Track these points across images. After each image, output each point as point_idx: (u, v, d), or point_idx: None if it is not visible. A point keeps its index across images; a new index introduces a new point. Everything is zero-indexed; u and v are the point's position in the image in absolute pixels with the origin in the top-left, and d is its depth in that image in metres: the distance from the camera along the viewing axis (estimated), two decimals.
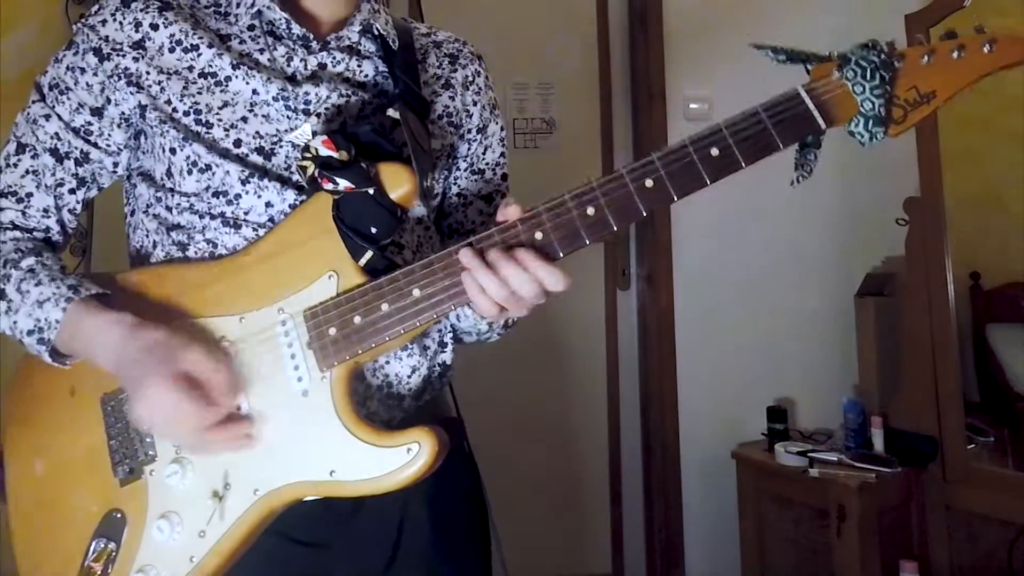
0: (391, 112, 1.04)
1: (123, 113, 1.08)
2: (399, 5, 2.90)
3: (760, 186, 2.84)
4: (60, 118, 1.08)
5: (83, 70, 1.07)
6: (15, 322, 1.03)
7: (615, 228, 0.93)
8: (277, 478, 0.95)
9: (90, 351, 1.01)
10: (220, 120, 1.04)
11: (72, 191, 1.12)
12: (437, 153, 1.16)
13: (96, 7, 1.09)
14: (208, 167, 1.03)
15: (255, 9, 1.07)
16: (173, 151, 1.04)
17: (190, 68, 1.06)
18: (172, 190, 1.05)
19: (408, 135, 1.02)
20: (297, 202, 1.03)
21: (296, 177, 1.03)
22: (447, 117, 1.19)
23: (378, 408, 1.07)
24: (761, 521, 2.79)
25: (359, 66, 1.12)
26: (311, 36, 1.09)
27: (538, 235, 0.93)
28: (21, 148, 1.10)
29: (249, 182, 1.03)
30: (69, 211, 1.13)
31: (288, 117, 1.05)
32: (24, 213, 1.10)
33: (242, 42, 1.08)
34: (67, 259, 2.21)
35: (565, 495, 3.09)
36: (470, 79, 1.23)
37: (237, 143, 1.04)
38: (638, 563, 3.12)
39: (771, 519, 2.76)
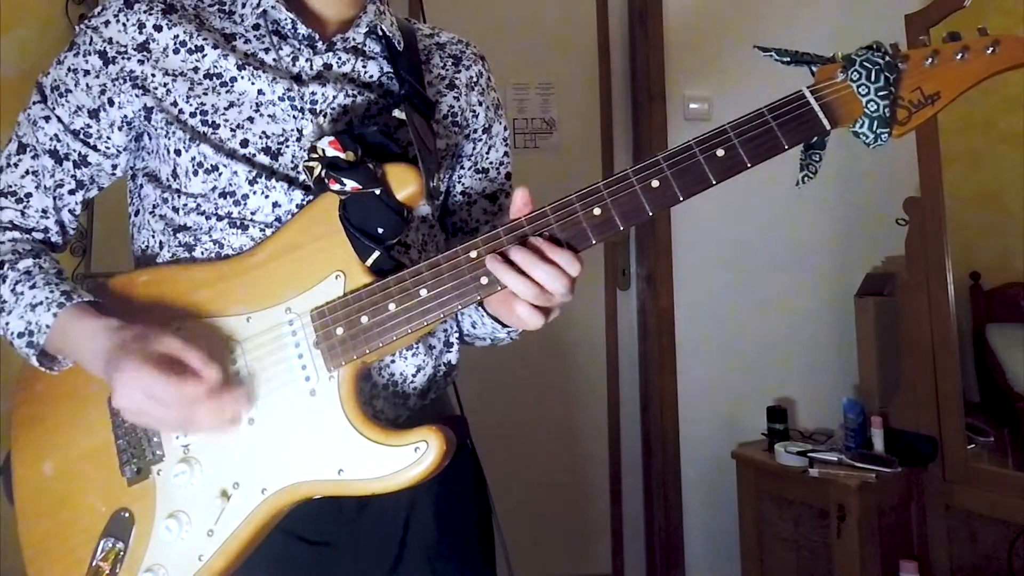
0: (397, 113, 1.05)
1: (125, 115, 1.08)
2: (400, 5, 2.90)
3: (760, 186, 2.85)
4: (60, 120, 1.09)
5: (86, 72, 1.07)
6: (7, 323, 1.03)
7: (621, 228, 0.93)
8: (285, 477, 0.96)
9: (79, 356, 1.02)
10: (226, 120, 1.04)
11: (71, 192, 1.12)
12: (442, 153, 1.16)
13: (99, 8, 1.09)
14: (215, 168, 1.03)
15: (261, 9, 1.07)
16: (179, 152, 1.04)
17: (195, 69, 1.06)
18: (178, 191, 1.06)
19: (414, 135, 1.02)
20: (304, 202, 1.03)
21: (303, 177, 1.03)
22: (452, 117, 1.19)
23: (384, 407, 1.08)
24: (761, 521, 2.79)
25: (364, 67, 1.12)
26: (316, 36, 1.09)
27: (544, 234, 0.94)
28: (22, 148, 1.11)
29: (256, 182, 1.03)
30: (69, 212, 1.14)
31: (294, 117, 1.06)
32: (23, 213, 1.10)
33: (247, 42, 1.08)
34: (67, 259, 2.23)
35: (565, 495, 3.09)
36: (474, 80, 1.23)
37: (244, 143, 1.04)
38: (638, 563, 3.12)
39: (771, 519, 2.77)
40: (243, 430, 0.98)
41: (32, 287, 1.03)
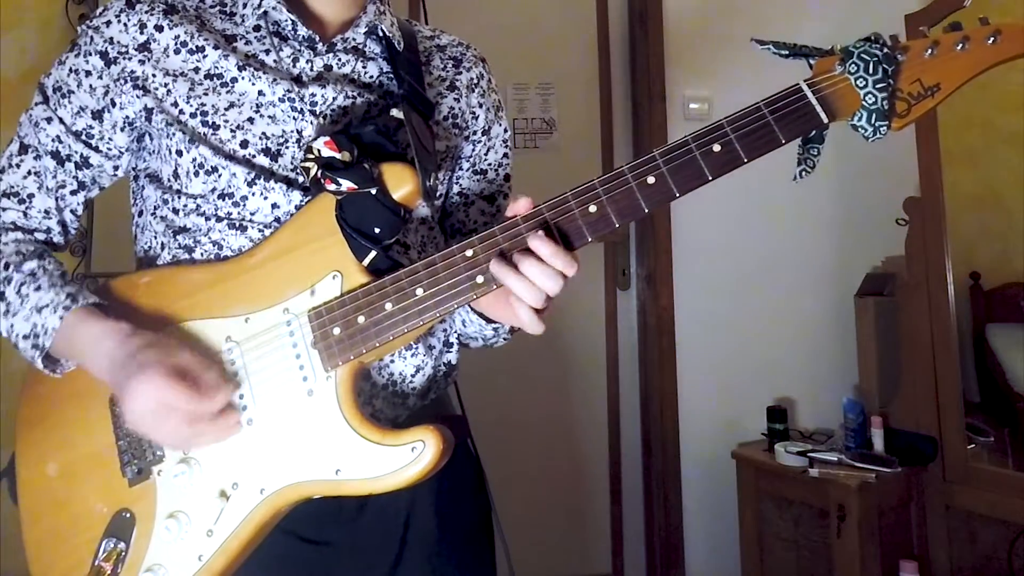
0: (395, 112, 1.04)
1: (127, 116, 1.08)
2: (400, 5, 2.90)
3: (760, 186, 2.86)
4: (62, 121, 1.09)
5: (88, 73, 1.07)
6: (12, 325, 1.04)
7: (617, 225, 0.93)
8: (283, 477, 0.96)
9: (85, 359, 1.02)
10: (227, 121, 1.04)
11: (73, 192, 1.13)
12: (441, 154, 1.16)
13: (100, 9, 1.09)
14: (214, 169, 1.03)
15: (261, 10, 1.08)
16: (180, 153, 1.04)
17: (196, 69, 1.06)
18: (179, 192, 1.06)
19: (412, 135, 1.02)
20: (303, 203, 1.04)
21: (302, 178, 1.03)
22: (452, 119, 1.19)
23: (383, 406, 1.08)
24: (761, 521, 2.79)
25: (364, 68, 1.12)
26: (317, 38, 1.09)
27: (541, 232, 0.93)
28: (24, 149, 1.11)
29: (255, 184, 1.03)
30: (71, 212, 1.14)
31: (294, 118, 1.06)
32: (26, 214, 1.11)
33: (248, 43, 1.08)
34: (67, 259, 2.23)
35: (565, 495, 3.09)
36: (475, 82, 1.23)
37: (244, 144, 1.04)
38: (638, 563, 3.12)
39: (771, 519, 2.77)
40: (242, 430, 0.98)
41: (37, 289, 1.03)
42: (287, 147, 1.05)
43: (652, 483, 3.10)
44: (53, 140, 1.09)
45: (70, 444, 1.06)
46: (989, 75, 0.91)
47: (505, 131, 1.27)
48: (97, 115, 1.08)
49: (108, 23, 1.07)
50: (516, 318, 0.97)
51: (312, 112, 1.06)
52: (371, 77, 1.12)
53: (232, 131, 1.04)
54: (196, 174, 1.04)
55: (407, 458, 0.92)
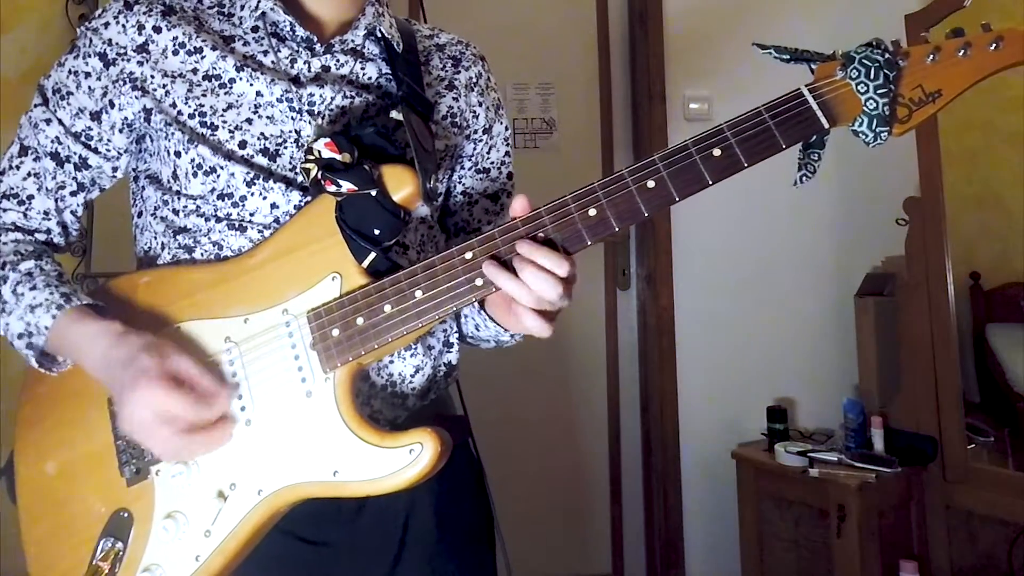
0: (394, 114, 1.04)
1: (126, 118, 1.08)
2: (400, 5, 2.90)
3: (760, 186, 2.85)
4: (61, 123, 1.09)
5: (87, 74, 1.07)
6: (7, 324, 1.04)
7: (616, 229, 0.93)
8: (281, 479, 0.96)
9: (79, 358, 1.02)
10: (225, 122, 1.04)
11: (73, 194, 1.13)
12: (441, 154, 1.16)
13: (99, 10, 1.10)
14: (213, 169, 1.03)
15: (259, 11, 1.07)
16: (178, 154, 1.05)
17: (194, 71, 1.06)
18: (179, 193, 1.06)
19: (411, 136, 1.02)
20: (302, 203, 1.04)
21: (301, 178, 1.04)
22: (451, 118, 1.19)
23: (382, 407, 1.08)
24: (761, 521, 2.80)
25: (363, 68, 1.12)
26: (315, 39, 1.09)
27: (539, 236, 0.93)
28: (24, 150, 1.11)
29: (254, 184, 1.03)
30: (71, 213, 1.14)
31: (292, 118, 1.06)
32: (25, 215, 1.11)
33: (246, 44, 1.08)
34: (67, 259, 2.23)
35: (565, 495, 3.09)
36: (474, 80, 1.23)
37: (242, 144, 1.04)
38: (638, 563, 3.12)
39: (771, 519, 2.77)
40: (240, 431, 0.98)
41: (32, 288, 1.04)
42: (285, 147, 1.05)
43: (652, 483, 3.10)
44: (52, 141, 1.10)
45: (69, 443, 1.06)
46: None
47: (506, 129, 1.27)
48: (96, 116, 1.08)
49: (106, 24, 1.07)
50: (522, 325, 0.97)
51: (310, 112, 1.06)
52: (369, 78, 1.12)
53: (230, 132, 1.04)
54: (195, 175, 1.04)
55: (405, 460, 0.92)
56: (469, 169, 1.23)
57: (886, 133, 0.90)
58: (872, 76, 0.90)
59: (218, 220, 1.04)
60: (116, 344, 0.97)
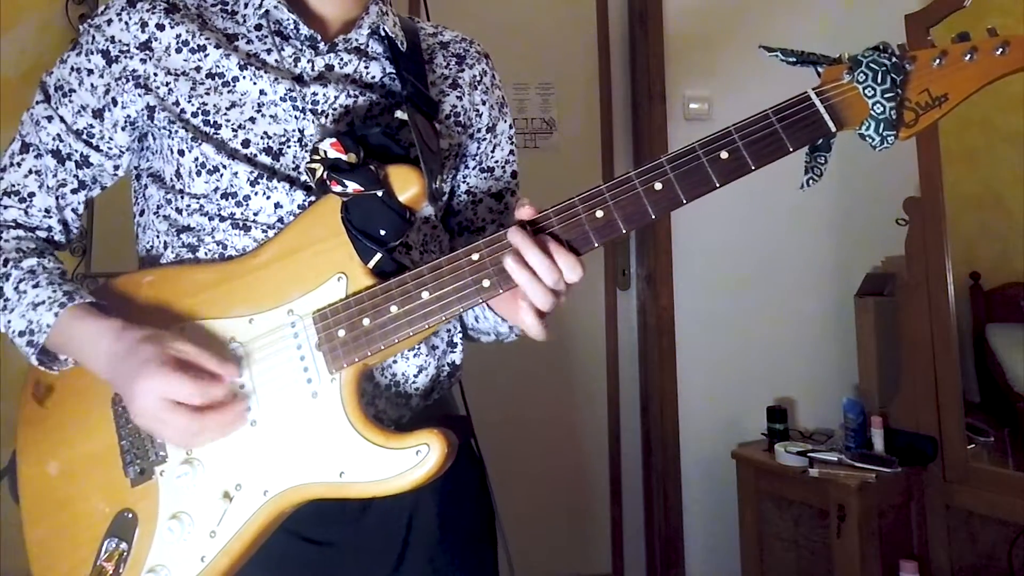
0: (399, 114, 1.04)
1: (128, 115, 1.08)
2: (401, 5, 2.90)
3: (761, 187, 2.83)
4: (62, 120, 1.09)
5: (89, 71, 1.07)
6: (9, 321, 1.04)
7: (624, 231, 0.93)
8: (287, 479, 0.96)
9: (82, 357, 1.02)
10: (228, 121, 1.04)
11: (74, 191, 1.13)
12: (445, 153, 1.16)
13: (102, 7, 1.10)
14: (216, 168, 1.03)
15: (263, 9, 1.07)
16: (182, 152, 1.04)
17: (197, 69, 1.06)
18: (182, 192, 1.06)
19: (416, 136, 1.02)
20: (306, 203, 1.03)
21: (304, 177, 1.04)
22: (455, 117, 1.19)
23: (386, 407, 1.08)
24: (761, 521, 2.80)
25: (367, 67, 1.12)
26: (319, 37, 1.09)
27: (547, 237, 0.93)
28: (25, 148, 1.11)
29: (258, 183, 1.03)
30: (72, 211, 1.14)
31: (296, 117, 1.05)
32: (27, 212, 1.11)
33: (249, 42, 1.08)
34: (67, 259, 2.22)
35: (565, 495, 3.09)
36: (478, 78, 1.23)
37: (245, 143, 1.04)
38: (638, 563, 3.12)
39: (771, 519, 2.77)
40: (245, 432, 0.98)
41: (35, 286, 1.04)
42: (289, 146, 1.05)
43: (652, 483, 3.10)
44: (54, 139, 1.10)
45: (72, 443, 1.06)
46: None
47: (510, 127, 1.27)
48: (98, 114, 1.08)
49: (109, 21, 1.07)
50: (520, 319, 0.97)
51: (313, 111, 1.06)
52: (373, 77, 1.12)
53: (234, 130, 1.04)
54: (198, 173, 1.04)
55: (411, 461, 0.92)
56: (473, 168, 1.23)
57: (893, 137, 0.90)
58: (879, 80, 0.90)
59: (222, 219, 1.04)
60: (116, 339, 0.97)
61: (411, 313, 0.95)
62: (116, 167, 1.14)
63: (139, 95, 1.06)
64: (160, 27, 1.06)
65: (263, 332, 1.00)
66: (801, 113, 0.91)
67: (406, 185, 0.98)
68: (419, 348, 1.10)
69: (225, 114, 1.04)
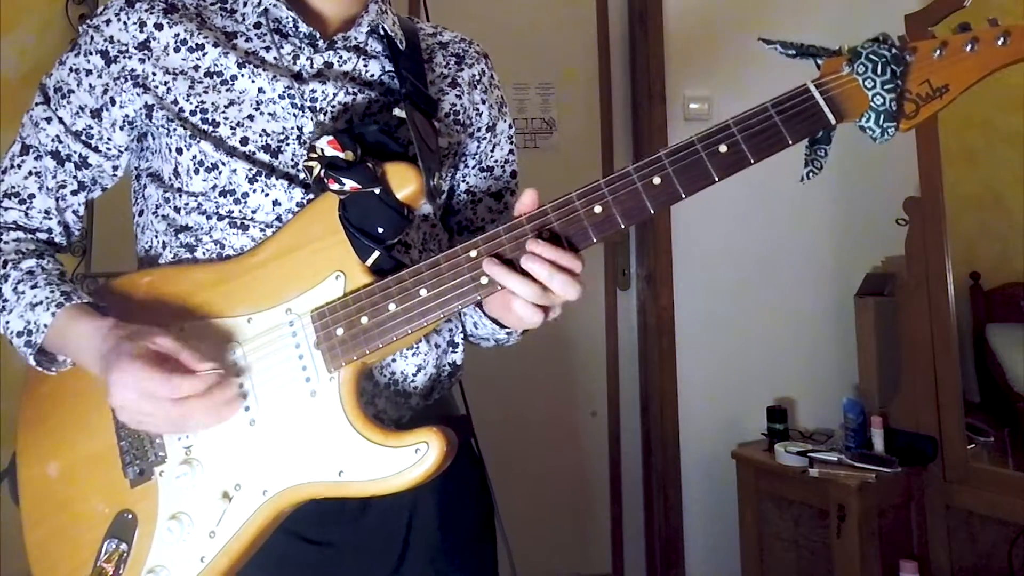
0: (397, 111, 1.04)
1: (127, 115, 1.08)
2: (400, 5, 2.90)
3: (761, 186, 2.86)
4: (61, 121, 1.09)
5: (88, 72, 1.07)
6: (7, 322, 1.04)
7: (623, 226, 0.93)
8: (286, 479, 0.95)
9: (78, 356, 1.02)
10: (227, 119, 1.04)
11: (74, 193, 1.13)
12: (444, 151, 1.16)
13: (101, 8, 1.10)
14: (215, 166, 1.03)
15: (262, 7, 1.07)
16: (180, 151, 1.04)
17: (196, 67, 1.06)
18: (180, 190, 1.06)
19: (414, 134, 1.02)
20: (304, 200, 1.03)
21: (303, 175, 1.03)
22: (454, 115, 1.19)
23: (386, 406, 1.08)
24: (761, 521, 2.79)
25: (366, 65, 1.12)
26: (318, 35, 1.09)
27: (544, 234, 0.93)
28: (25, 149, 1.11)
29: (256, 180, 1.03)
30: (72, 212, 1.15)
31: (294, 115, 1.05)
32: (27, 214, 1.11)
33: (248, 40, 1.08)
34: (67, 259, 2.22)
35: (565, 495, 3.09)
36: (477, 78, 1.23)
37: (244, 141, 1.04)
38: (638, 563, 3.12)
39: (771, 519, 2.76)
40: (244, 431, 0.98)
41: (33, 287, 1.04)
42: (287, 144, 1.05)
43: (652, 483, 3.10)
44: (53, 140, 1.10)
45: (71, 444, 1.06)
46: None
47: (510, 127, 1.27)
48: (96, 114, 1.08)
49: (108, 21, 1.07)
50: (516, 315, 0.97)
51: (312, 109, 1.06)
52: (372, 75, 1.12)
53: (232, 128, 1.04)
54: (197, 171, 1.04)
55: (411, 460, 0.92)
56: (473, 167, 1.23)
57: (893, 128, 0.90)
58: (879, 71, 0.89)
59: (220, 218, 1.04)
60: (105, 338, 0.97)
61: (409, 311, 0.95)
62: (115, 168, 1.14)
63: (137, 94, 1.06)
64: (158, 27, 1.06)
65: (261, 331, 0.99)
66: (800, 106, 0.91)
67: (404, 183, 0.98)
68: (418, 347, 1.10)
69: (224, 112, 1.04)
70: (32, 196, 1.11)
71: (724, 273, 3.09)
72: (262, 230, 1.04)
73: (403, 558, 1.09)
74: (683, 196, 0.92)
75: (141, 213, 1.14)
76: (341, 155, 0.97)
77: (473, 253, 0.94)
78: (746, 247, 3.10)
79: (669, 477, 3.02)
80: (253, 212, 1.04)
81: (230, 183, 1.03)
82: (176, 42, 1.06)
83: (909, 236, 2.69)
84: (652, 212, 0.92)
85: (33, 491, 1.07)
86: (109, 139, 1.10)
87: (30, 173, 1.11)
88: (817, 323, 3.13)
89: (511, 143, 1.27)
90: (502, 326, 1.10)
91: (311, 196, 1.03)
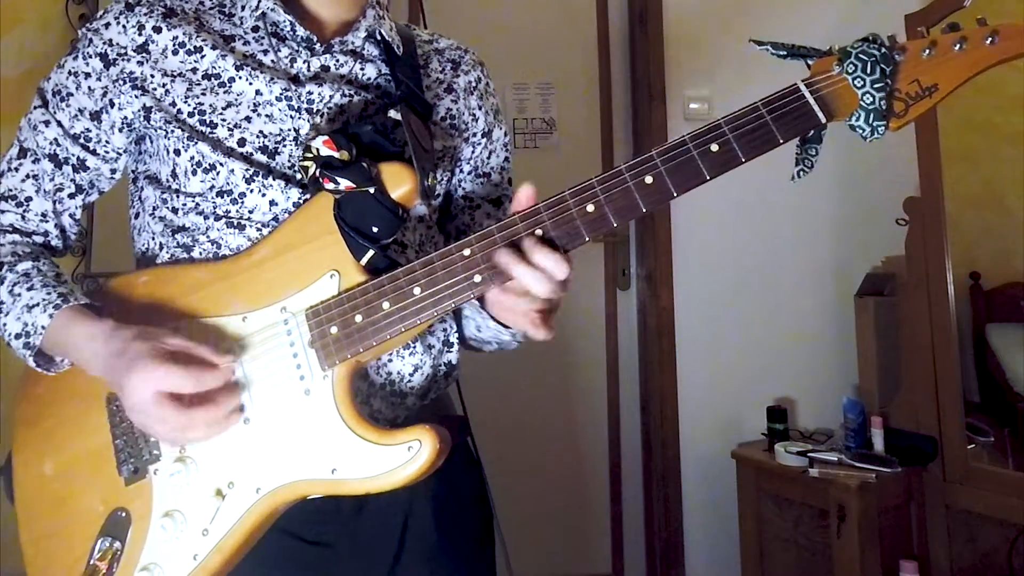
0: (393, 113, 1.05)
1: (125, 117, 1.09)
2: (400, 5, 2.90)
3: (760, 187, 2.86)
4: (60, 124, 1.10)
5: (87, 75, 1.08)
6: (4, 324, 1.04)
7: (615, 225, 0.93)
8: (279, 476, 0.95)
9: (77, 357, 1.03)
10: (224, 120, 1.05)
11: (71, 196, 1.13)
12: (439, 154, 1.16)
13: (100, 12, 1.11)
14: (212, 167, 1.04)
15: (259, 11, 1.08)
16: (178, 152, 1.05)
17: (194, 70, 1.07)
18: (178, 191, 1.06)
19: (409, 135, 1.02)
20: (300, 200, 1.04)
21: (300, 176, 1.04)
22: (450, 120, 1.19)
23: (382, 406, 1.08)
24: (761, 521, 2.79)
25: (362, 69, 1.12)
26: (315, 38, 1.09)
27: (538, 232, 0.93)
28: (23, 152, 1.12)
29: (253, 180, 1.03)
30: (69, 216, 1.15)
31: (291, 117, 1.06)
32: (23, 217, 1.12)
33: (246, 43, 1.09)
34: (67, 259, 2.23)
35: (565, 495, 3.09)
36: (473, 84, 1.23)
37: (241, 142, 1.04)
38: (638, 563, 3.12)
39: (771, 519, 2.76)
40: (238, 429, 0.98)
41: (30, 288, 1.04)
42: (284, 145, 1.05)
43: (652, 483, 3.10)
44: (51, 143, 1.10)
45: (67, 443, 1.06)
46: (989, 75, 0.90)
47: (505, 135, 1.28)
48: (95, 116, 1.09)
49: (107, 25, 1.08)
50: (520, 323, 0.97)
51: (309, 111, 1.07)
52: (369, 78, 1.13)
53: (229, 129, 1.04)
54: (194, 172, 1.04)
55: (403, 457, 0.92)
56: (469, 173, 1.23)
57: (883, 127, 0.90)
58: (869, 71, 0.90)
59: (217, 218, 1.04)
60: (109, 339, 0.97)
61: (404, 309, 0.95)
62: (113, 171, 1.14)
63: (136, 96, 1.07)
64: (157, 30, 1.07)
65: (256, 330, 1.00)
66: (791, 105, 0.91)
67: (398, 182, 0.98)
68: (414, 347, 1.10)
69: (221, 113, 1.05)
70: (29, 199, 1.11)
71: (724, 273, 3.09)
72: (258, 230, 1.04)
73: (399, 558, 1.09)
74: (675, 195, 0.92)
75: (138, 216, 1.14)
76: (336, 155, 0.97)
77: (467, 252, 0.95)
78: (746, 247, 3.10)
79: (669, 477, 3.02)
80: (250, 212, 1.04)
81: (227, 183, 1.04)
82: (175, 45, 1.07)
83: (909, 236, 2.69)
84: (644, 210, 0.92)
85: (28, 489, 1.07)
86: (107, 142, 1.11)
87: (27, 176, 1.11)
88: (817, 323, 3.12)
89: (507, 151, 1.28)
90: (506, 327, 1.11)
91: (307, 196, 1.03)
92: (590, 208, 0.93)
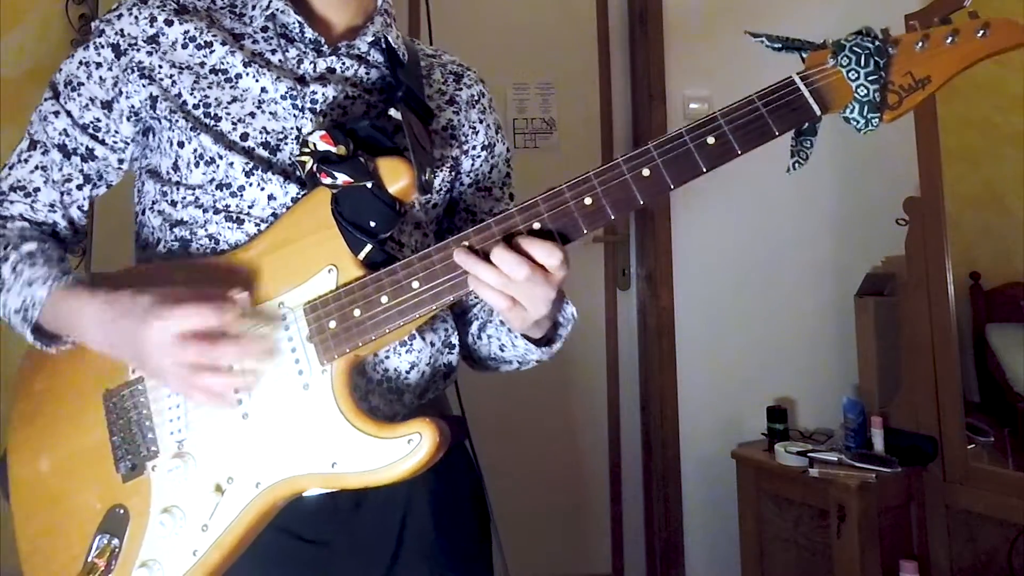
0: (392, 112, 1.05)
1: (132, 106, 1.10)
2: (402, 6, 2.90)
3: (760, 186, 2.86)
4: (69, 115, 1.11)
5: (98, 64, 1.10)
6: (6, 302, 1.05)
7: (612, 217, 0.93)
8: (279, 471, 0.95)
9: (77, 332, 1.03)
10: (228, 114, 1.06)
11: (79, 187, 1.14)
12: (439, 161, 1.17)
13: (115, 4, 1.12)
14: (213, 159, 1.04)
15: (269, 11, 1.10)
16: (181, 144, 1.06)
17: (202, 64, 1.08)
18: (178, 183, 1.07)
19: (408, 132, 1.03)
20: (299, 196, 1.04)
21: (299, 172, 1.04)
22: (451, 131, 1.21)
23: (379, 403, 1.08)
24: (761, 521, 2.79)
25: (367, 73, 1.14)
26: (323, 41, 1.11)
27: (535, 225, 0.93)
28: (33, 145, 1.13)
29: (253, 174, 1.04)
30: (77, 208, 1.15)
31: (295, 115, 1.07)
32: (32, 207, 1.12)
33: (255, 42, 1.11)
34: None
35: (565, 495, 3.09)
36: (475, 98, 1.25)
37: (244, 136, 1.05)
38: (638, 563, 3.12)
39: (771, 519, 2.76)
40: (237, 424, 0.98)
41: (32, 266, 1.05)
42: (286, 143, 1.06)
43: (652, 483, 3.10)
44: (60, 134, 1.11)
45: (64, 440, 1.06)
46: (989, 75, 0.91)
47: (508, 151, 1.29)
48: (106, 105, 1.10)
49: (120, 16, 1.10)
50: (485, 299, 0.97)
51: (312, 110, 1.08)
52: (373, 82, 1.14)
53: (233, 123, 1.06)
54: (196, 164, 1.05)
55: (403, 450, 0.92)
56: (470, 187, 1.24)
57: (877, 119, 0.91)
58: (862, 63, 0.91)
59: (216, 212, 1.05)
60: (107, 306, 0.97)
61: (402, 303, 0.95)
62: (120, 161, 1.15)
63: (143, 85, 1.09)
64: (168, 23, 1.09)
65: (255, 325, 0.99)
66: (786, 97, 0.92)
67: (396, 177, 0.98)
68: (412, 343, 1.10)
69: (226, 108, 1.06)
70: (37, 189, 1.12)
71: (724, 273, 3.09)
72: (256, 225, 1.04)
73: (397, 556, 1.09)
74: (672, 187, 0.92)
75: (141, 212, 1.15)
76: (333, 149, 0.97)
77: (465, 244, 0.95)
78: (746, 247, 3.10)
79: (669, 477, 3.02)
80: (249, 207, 1.04)
81: (227, 176, 1.04)
82: (185, 38, 1.09)
83: (909, 236, 2.69)
84: (641, 203, 0.93)
85: (25, 487, 1.07)
86: (116, 131, 1.12)
87: (36, 167, 1.12)
88: (817, 323, 3.12)
89: (509, 167, 1.29)
90: (537, 344, 1.09)
91: (306, 192, 1.03)
92: (587, 201, 0.93)
